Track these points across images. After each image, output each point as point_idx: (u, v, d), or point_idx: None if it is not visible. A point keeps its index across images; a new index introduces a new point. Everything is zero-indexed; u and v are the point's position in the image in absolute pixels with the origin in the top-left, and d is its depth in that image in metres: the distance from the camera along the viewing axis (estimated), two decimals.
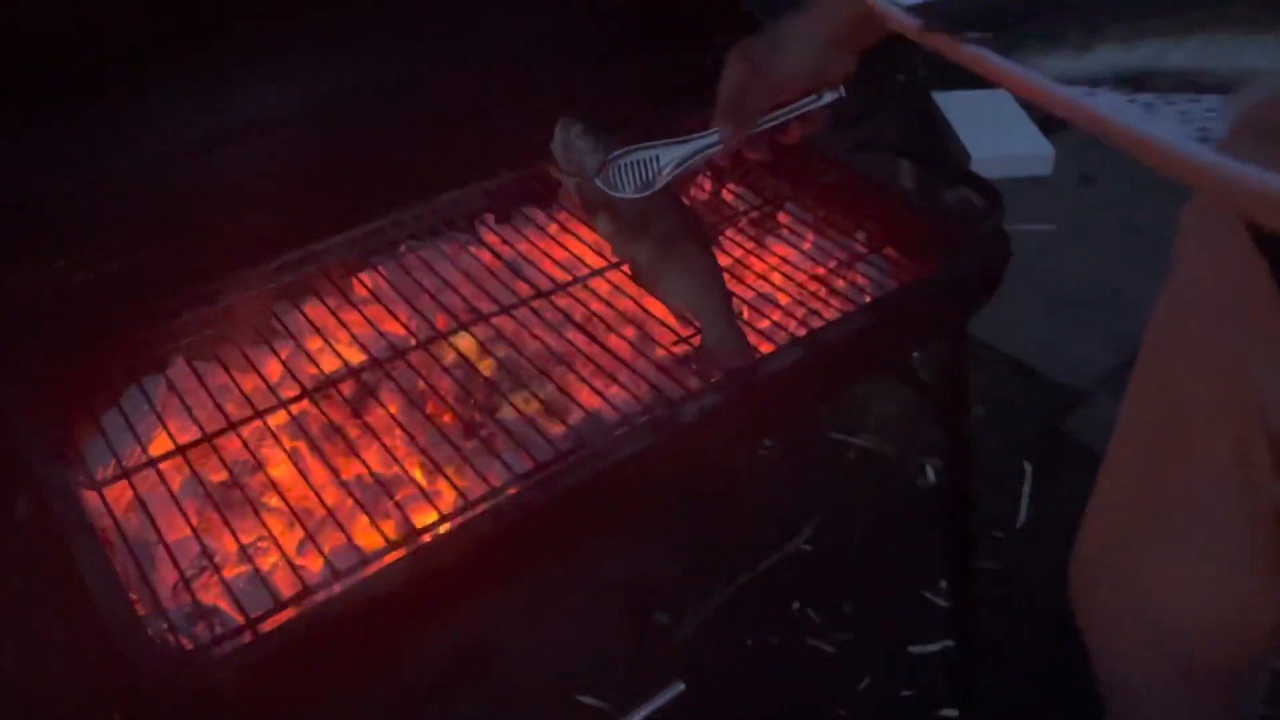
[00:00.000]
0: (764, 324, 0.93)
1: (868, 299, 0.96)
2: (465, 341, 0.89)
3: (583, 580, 1.53)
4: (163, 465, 0.78)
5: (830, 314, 0.93)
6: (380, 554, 0.71)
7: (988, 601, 1.47)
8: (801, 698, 1.42)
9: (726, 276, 0.95)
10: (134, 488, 0.76)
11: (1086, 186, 2.37)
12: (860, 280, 0.99)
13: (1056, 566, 1.58)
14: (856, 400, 1.85)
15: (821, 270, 0.98)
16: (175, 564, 0.72)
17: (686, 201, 1.09)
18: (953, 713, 1.40)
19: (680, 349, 0.90)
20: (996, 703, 1.39)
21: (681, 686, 0.98)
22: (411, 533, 0.73)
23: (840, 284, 0.97)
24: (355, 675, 0.74)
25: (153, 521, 0.74)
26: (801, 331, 0.90)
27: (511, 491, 0.76)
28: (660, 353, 0.90)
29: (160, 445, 0.81)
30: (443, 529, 0.73)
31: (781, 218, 1.07)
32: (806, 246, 1.03)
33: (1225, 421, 0.82)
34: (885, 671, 1.46)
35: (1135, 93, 0.50)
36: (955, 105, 2.48)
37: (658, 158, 0.90)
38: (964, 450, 1.17)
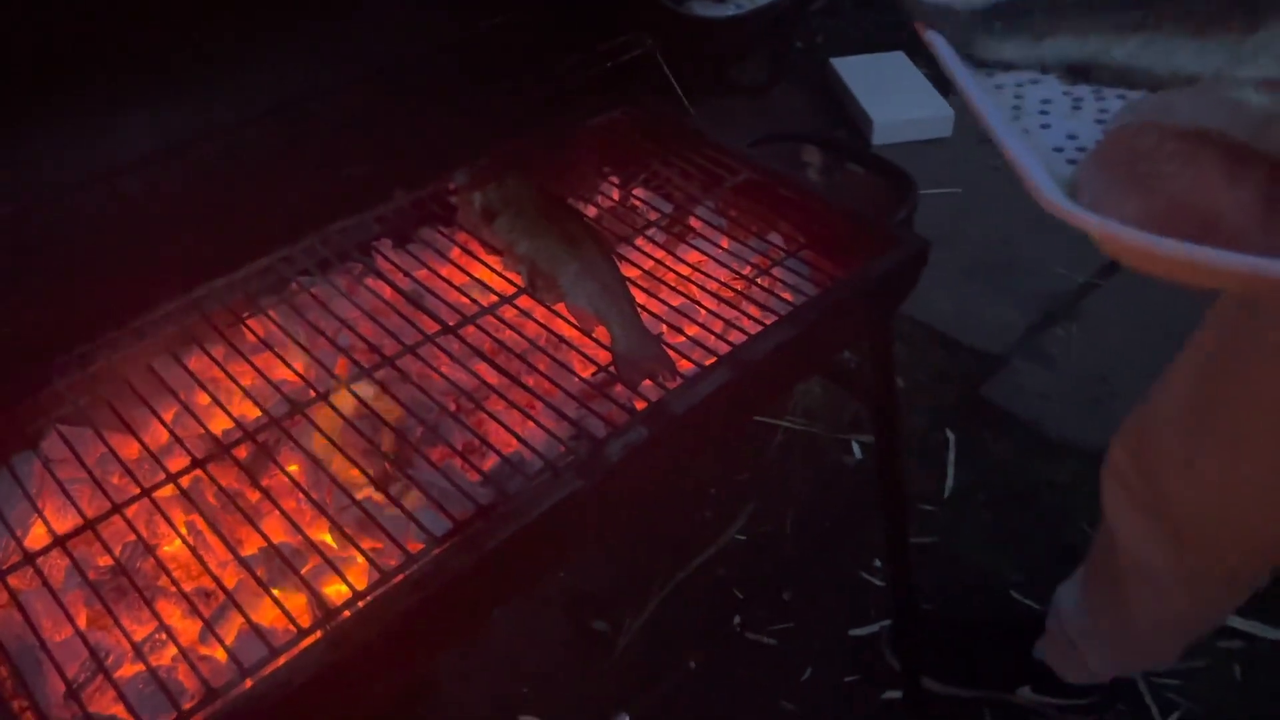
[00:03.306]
0: (680, 340, 0.89)
1: (790, 304, 0.92)
2: (368, 388, 0.83)
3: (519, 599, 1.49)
4: (41, 560, 0.71)
5: (751, 325, 0.90)
6: (292, 642, 0.65)
7: (923, 575, 1.48)
8: (747, 696, 1.41)
9: (641, 288, 0.91)
10: (8, 588, 0.69)
11: (987, 146, 2.37)
12: (779, 285, 0.96)
13: (987, 535, 1.61)
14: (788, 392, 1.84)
15: (739, 280, 0.94)
16: (60, 671, 0.65)
17: (591, 210, 1.05)
18: (896, 694, 1.40)
19: (598, 377, 0.86)
20: (938, 676, 1.40)
21: (626, 718, 0.95)
22: (325, 613, 0.67)
23: (758, 292, 0.94)
24: None
25: (32, 624, 0.67)
26: (723, 347, 0.86)
27: (434, 554, 0.71)
28: (577, 382, 0.85)
29: (37, 536, 0.74)
30: (360, 605, 0.68)
31: (693, 223, 1.03)
32: (721, 252, 0.99)
33: None
34: (827, 659, 1.45)
35: (1076, 83, 0.53)
36: (854, 70, 2.46)
37: None
38: (893, 437, 1.15)
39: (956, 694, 1.39)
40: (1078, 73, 0.55)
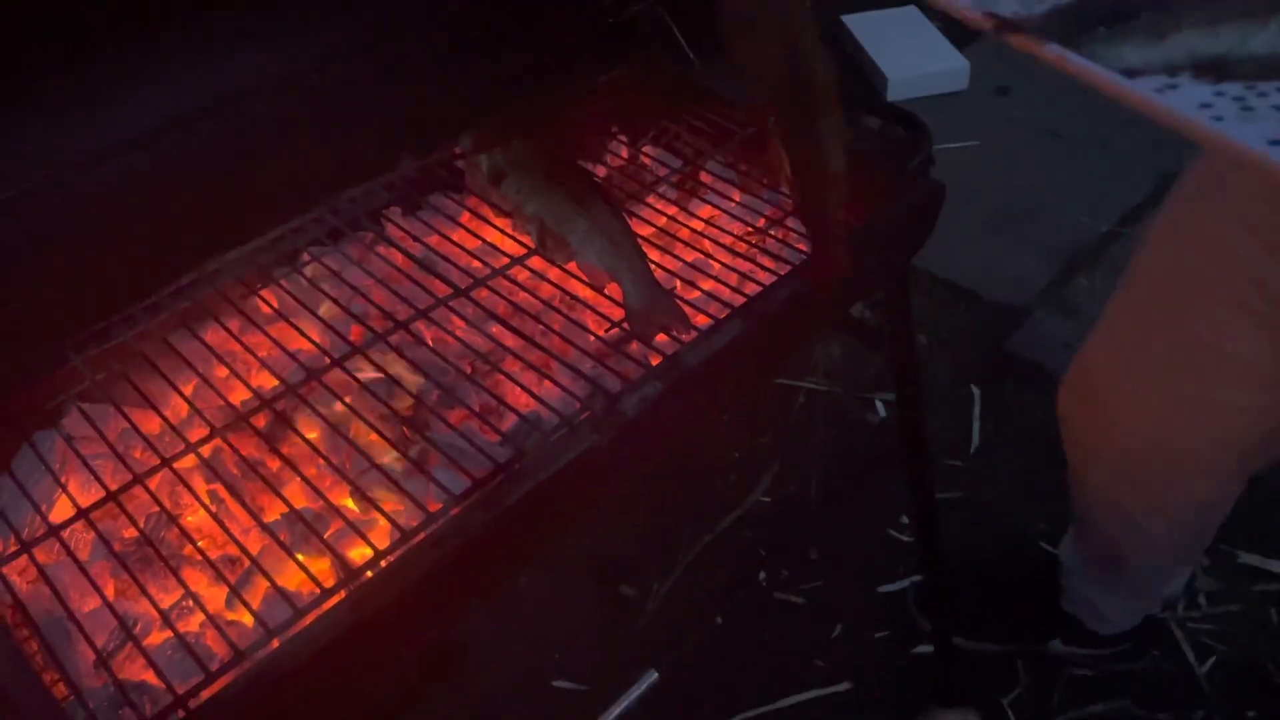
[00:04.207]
0: (695, 295, 0.89)
1: (804, 254, 0.91)
2: (384, 354, 0.83)
3: (544, 560, 1.49)
4: (66, 532, 0.72)
5: (765, 277, 0.89)
6: (316, 602, 0.66)
7: (951, 531, 1.47)
8: (777, 655, 1.41)
9: (654, 245, 0.90)
10: (36, 561, 0.70)
11: (1004, 98, 2.34)
12: (793, 236, 0.94)
13: (1014, 486, 1.60)
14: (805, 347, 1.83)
15: (751, 231, 0.93)
16: (90, 640, 0.66)
17: (600, 169, 1.04)
18: (927, 649, 1.40)
19: (613, 334, 0.85)
20: (968, 631, 1.39)
21: (655, 675, 0.95)
22: (348, 573, 0.68)
23: (772, 244, 0.93)
24: (315, 716, 0.69)
25: (60, 596, 0.68)
26: (738, 300, 0.86)
27: (452, 514, 0.71)
28: (592, 340, 0.85)
29: (62, 510, 0.75)
30: (382, 564, 0.68)
31: (704, 177, 1.02)
32: (733, 206, 0.98)
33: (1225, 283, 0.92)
34: (856, 616, 1.45)
35: (1219, 82, 0.46)
36: (865, 26, 2.43)
37: None
38: (914, 391, 1.14)
39: (987, 649, 1.39)
40: (1210, 70, 0.46)
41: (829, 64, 0.67)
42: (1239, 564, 1.45)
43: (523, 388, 0.80)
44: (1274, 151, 0.42)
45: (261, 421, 0.79)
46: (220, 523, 0.72)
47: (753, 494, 1.61)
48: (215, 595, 0.71)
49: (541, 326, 0.86)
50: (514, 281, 0.89)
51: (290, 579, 0.70)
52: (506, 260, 0.91)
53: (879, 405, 1.74)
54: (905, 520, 1.56)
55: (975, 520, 1.55)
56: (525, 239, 0.92)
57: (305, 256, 0.93)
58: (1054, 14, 0.49)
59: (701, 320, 0.85)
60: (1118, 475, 1.12)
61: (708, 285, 0.90)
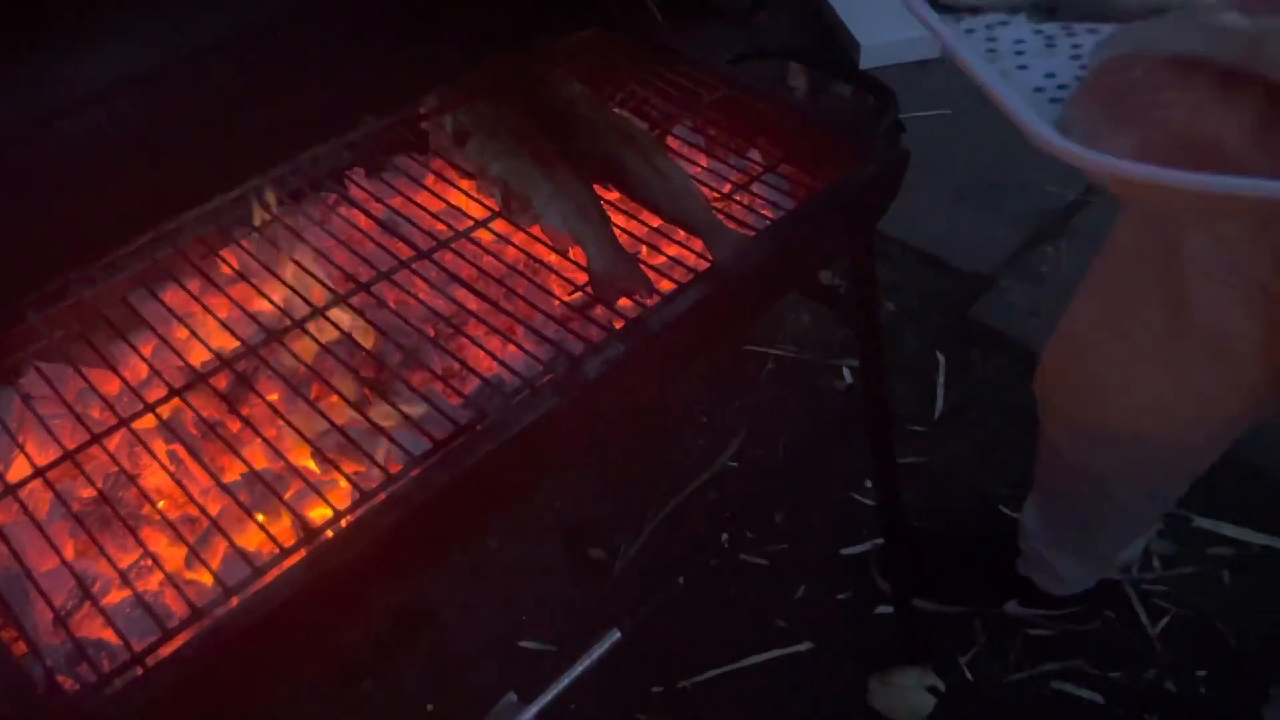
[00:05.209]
0: (661, 260, 0.89)
1: (769, 220, 0.92)
2: (345, 315, 0.83)
3: (512, 523, 1.50)
4: (23, 491, 0.71)
5: None
6: (275, 561, 0.66)
7: (913, 494, 1.49)
8: (740, 615, 1.43)
9: (619, 210, 0.90)
10: None
11: None
12: (759, 201, 0.95)
13: (976, 453, 1.62)
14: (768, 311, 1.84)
15: (717, 196, 0.93)
16: (48, 600, 0.66)
17: None
18: (888, 609, 1.42)
19: (576, 297, 0.85)
20: (928, 593, 1.42)
21: (618, 635, 0.96)
22: (307, 533, 0.68)
23: (738, 208, 0.93)
24: (276, 674, 0.70)
25: (18, 555, 0.68)
26: (703, 265, 0.86)
27: (413, 474, 0.71)
28: (556, 304, 0.85)
29: (19, 469, 0.74)
30: (342, 524, 0.68)
31: (671, 141, 1.02)
32: (700, 170, 0.98)
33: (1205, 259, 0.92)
34: (819, 577, 1.48)
35: (1044, 21, 0.53)
36: None
37: None
38: (878, 357, 1.15)
39: (946, 610, 1.41)
40: (1045, 10, 0.54)
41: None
42: (1193, 528, 1.48)
43: (486, 351, 0.81)
44: (1035, 99, 0.49)
45: (222, 383, 0.79)
46: (179, 483, 0.72)
47: (720, 458, 1.62)
48: (174, 555, 0.71)
49: (505, 289, 0.85)
50: (478, 244, 0.89)
51: (250, 539, 0.71)
52: (470, 223, 0.90)
53: (846, 372, 1.76)
54: (869, 484, 1.58)
55: (937, 484, 1.57)
56: (489, 201, 0.92)
57: (267, 216, 0.92)
58: None
59: (665, 285, 0.86)
60: (1096, 446, 1.12)
61: (672, 250, 0.90)
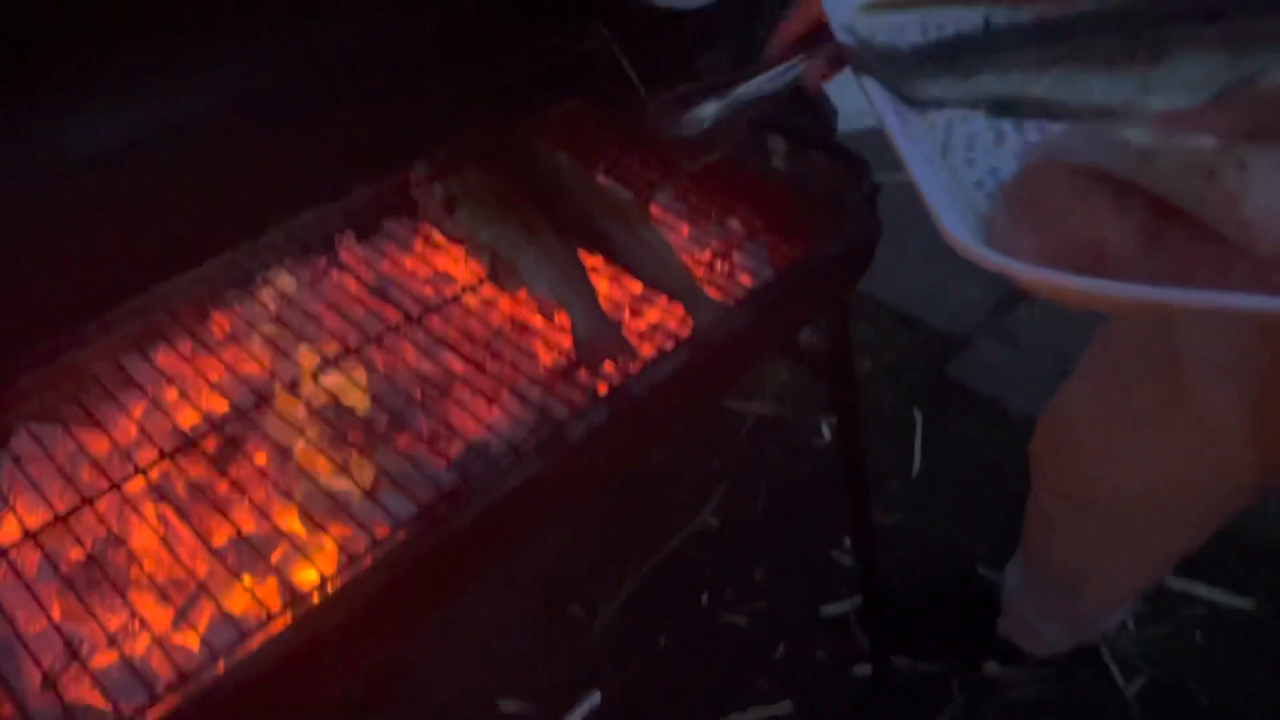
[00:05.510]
0: (643, 324, 0.91)
1: (748, 285, 0.94)
2: (334, 378, 0.84)
3: (493, 580, 1.51)
4: (13, 553, 0.72)
5: None
6: (261, 625, 0.67)
7: (892, 553, 1.51)
8: (720, 675, 1.43)
9: (603, 275, 0.93)
10: None
11: None
12: (739, 268, 0.98)
13: (954, 511, 1.64)
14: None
15: (699, 265, 0.96)
16: (36, 661, 0.67)
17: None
18: (865, 670, 1.43)
19: (561, 364, 0.87)
20: (907, 652, 1.43)
21: (597, 696, 0.97)
22: (294, 597, 0.69)
23: (719, 274, 0.96)
24: None
25: (8, 616, 0.68)
26: (684, 332, 0.88)
27: (399, 538, 0.72)
28: (541, 368, 0.87)
29: (9, 530, 0.75)
30: (328, 589, 0.69)
31: (654, 209, 1.05)
32: (681, 239, 1.01)
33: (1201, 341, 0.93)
34: (799, 636, 1.48)
35: (1003, 116, 0.55)
36: None
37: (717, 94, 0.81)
38: (853, 419, 1.17)
39: (925, 669, 1.42)
40: (1003, 107, 0.56)
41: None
42: (1166, 588, 1.50)
43: (471, 414, 0.82)
44: (972, 194, 0.51)
45: (211, 445, 0.80)
46: (168, 546, 0.73)
47: (700, 515, 1.63)
48: (162, 617, 0.71)
49: (490, 353, 0.88)
50: (465, 308, 0.91)
51: (237, 602, 0.72)
52: (458, 288, 0.92)
53: (825, 429, 1.78)
54: (848, 542, 1.59)
55: (916, 542, 1.59)
56: (476, 266, 0.94)
57: (259, 279, 0.94)
58: (894, 51, 0.58)
59: (648, 350, 0.88)
60: (1087, 519, 1.13)
61: (654, 316, 0.92)
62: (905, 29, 0.62)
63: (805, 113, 1.12)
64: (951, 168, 0.53)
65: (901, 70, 0.57)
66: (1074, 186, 0.47)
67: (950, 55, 0.56)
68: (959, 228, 0.47)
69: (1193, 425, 0.95)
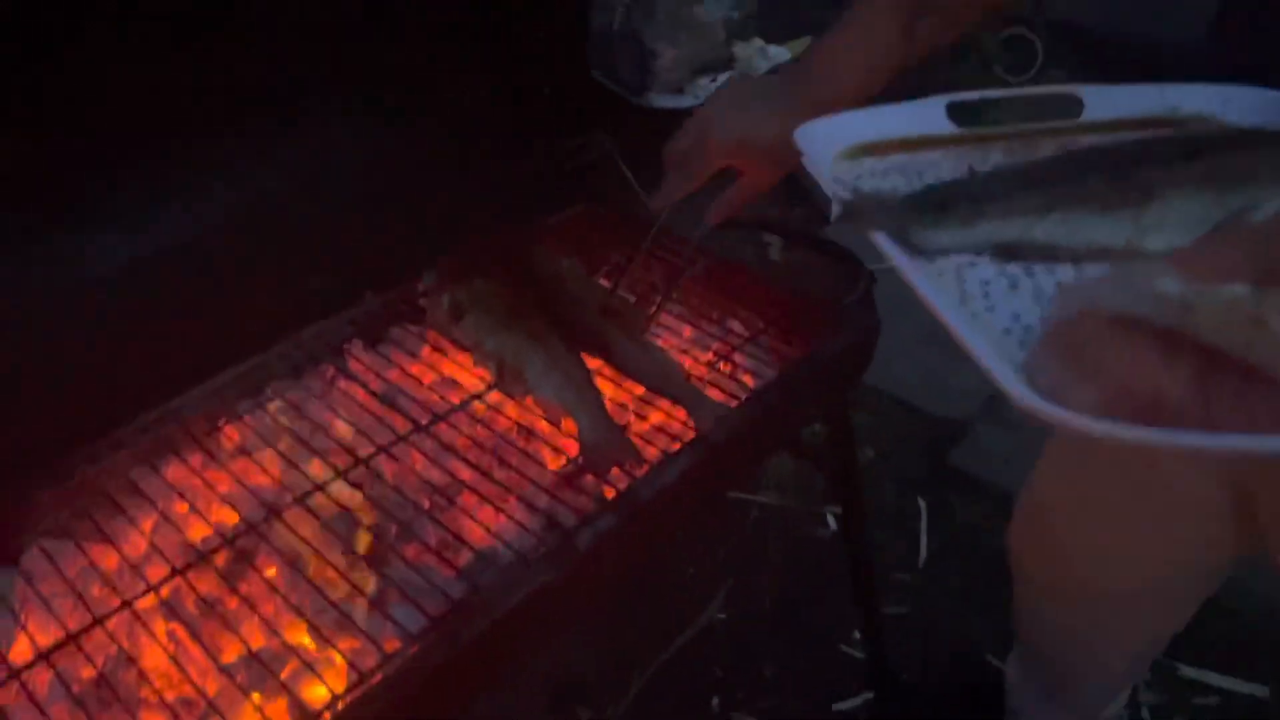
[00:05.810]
0: (646, 427, 0.93)
1: (750, 386, 0.96)
2: (343, 490, 0.85)
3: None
4: (25, 675, 0.72)
5: None
6: None
7: (901, 644, 1.49)
8: None
9: (607, 379, 0.95)
10: None
11: None
12: (741, 369, 0.99)
13: (960, 600, 1.63)
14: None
15: (701, 367, 0.98)
16: None
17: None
18: None
19: (568, 469, 0.88)
20: None
21: None
22: (304, 715, 0.69)
23: (722, 375, 0.97)
24: None
25: None
26: (688, 433, 0.90)
27: (409, 653, 0.72)
28: (548, 474, 0.88)
29: (21, 650, 0.75)
30: (339, 706, 0.69)
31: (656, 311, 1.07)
32: (684, 341, 1.03)
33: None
34: None
35: (1008, 262, 0.55)
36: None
37: None
38: (858, 511, 1.18)
39: None
40: (1008, 253, 0.56)
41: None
42: (1179, 677, 1.49)
43: (478, 523, 0.83)
44: (1003, 342, 0.51)
45: (221, 559, 0.81)
46: (178, 664, 0.73)
47: (708, 611, 1.62)
48: None
49: (497, 460, 0.89)
50: (472, 416, 0.93)
51: None
52: (465, 396, 0.94)
53: (829, 519, 1.78)
54: (858, 635, 1.58)
55: (925, 634, 1.57)
56: (483, 373, 0.96)
57: (268, 391, 0.96)
58: (892, 202, 0.58)
59: (652, 452, 0.89)
60: (1070, 606, 1.13)
61: (658, 418, 0.94)
62: (888, 174, 0.63)
63: (799, 205, 1.14)
64: (975, 315, 0.53)
65: (900, 219, 0.57)
66: (1116, 335, 0.47)
67: (943, 204, 0.56)
68: (1016, 385, 0.46)
69: (1173, 508, 0.95)
